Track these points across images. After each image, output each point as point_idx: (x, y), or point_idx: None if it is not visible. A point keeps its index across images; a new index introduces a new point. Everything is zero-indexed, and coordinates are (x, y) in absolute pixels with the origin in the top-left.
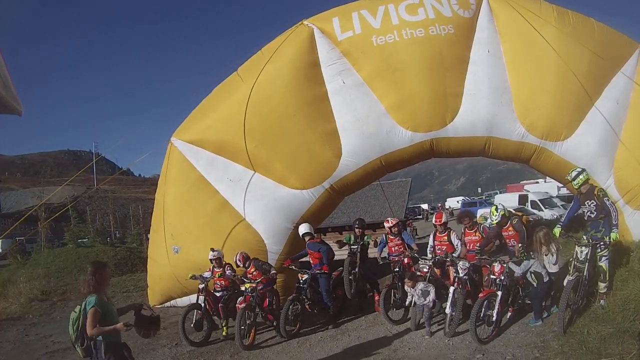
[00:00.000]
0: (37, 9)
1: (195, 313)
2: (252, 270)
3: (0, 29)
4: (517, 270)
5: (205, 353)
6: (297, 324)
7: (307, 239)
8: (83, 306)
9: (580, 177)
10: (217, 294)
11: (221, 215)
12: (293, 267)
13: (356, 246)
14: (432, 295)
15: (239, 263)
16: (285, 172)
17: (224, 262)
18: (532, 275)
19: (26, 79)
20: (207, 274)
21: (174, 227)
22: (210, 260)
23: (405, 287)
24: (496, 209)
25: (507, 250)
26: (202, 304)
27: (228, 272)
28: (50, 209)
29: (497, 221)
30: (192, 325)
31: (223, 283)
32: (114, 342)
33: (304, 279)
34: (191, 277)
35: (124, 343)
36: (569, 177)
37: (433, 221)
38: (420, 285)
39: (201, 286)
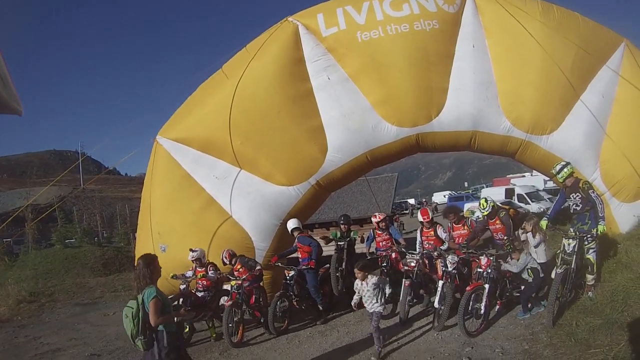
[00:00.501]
0: (21, 11)
1: None
2: (239, 267)
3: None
4: (514, 270)
5: (195, 351)
6: (286, 320)
7: (296, 234)
8: (141, 299)
9: (565, 170)
10: (199, 295)
11: (208, 213)
12: (280, 264)
13: (343, 242)
14: (383, 294)
15: (225, 260)
16: (271, 169)
17: (205, 262)
18: (529, 271)
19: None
20: (189, 274)
21: (160, 225)
22: (192, 260)
23: (356, 282)
24: (486, 201)
25: (494, 244)
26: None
27: (211, 272)
28: (37, 210)
29: (487, 212)
30: None
31: (205, 283)
32: (172, 331)
33: (290, 275)
34: (173, 277)
35: (177, 332)
36: (553, 171)
37: (419, 218)
38: (373, 279)
39: (182, 287)
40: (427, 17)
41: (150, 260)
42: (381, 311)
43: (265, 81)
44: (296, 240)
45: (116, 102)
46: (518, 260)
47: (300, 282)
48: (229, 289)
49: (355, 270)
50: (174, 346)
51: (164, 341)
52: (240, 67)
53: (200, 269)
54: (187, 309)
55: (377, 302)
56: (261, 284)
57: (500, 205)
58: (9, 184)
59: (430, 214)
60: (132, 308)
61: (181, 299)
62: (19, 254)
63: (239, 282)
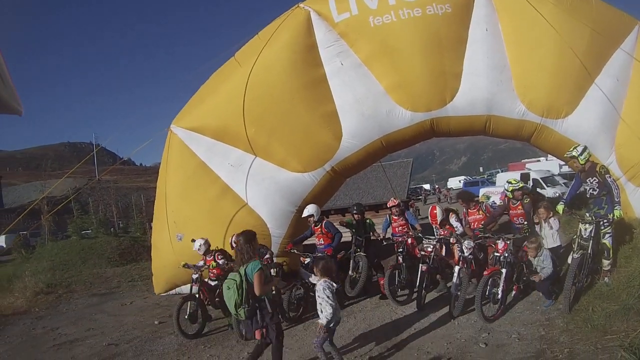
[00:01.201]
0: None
1: (189, 304)
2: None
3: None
4: (544, 275)
5: (212, 340)
6: (301, 308)
7: (317, 220)
8: (243, 272)
9: (586, 152)
10: (212, 284)
11: (223, 201)
12: (295, 250)
13: (361, 239)
14: (328, 304)
15: (234, 245)
16: (286, 156)
17: (212, 250)
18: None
19: (24, 73)
20: (200, 263)
21: (176, 214)
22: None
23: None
24: (515, 180)
25: (512, 228)
26: (197, 295)
27: (220, 260)
28: (53, 202)
29: (521, 185)
30: (186, 317)
31: (215, 272)
32: (272, 298)
33: (306, 262)
34: (184, 266)
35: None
36: (575, 152)
37: (430, 219)
38: (322, 283)
39: (195, 276)
40: (440, 1)
41: (251, 237)
42: (323, 323)
43: (278, 68)
44: (322, 225)
45: (130, 93)
46: (535, 257)
47: None
48: None
49: (315, 268)
50: (276, 310)
51: (268, 307)
52: (252, 54)
53: (209, 259)
54: (278, 278)
55: (322, 311)
56: (272, 272)
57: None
58: (24, 177)
59: (438, 217)
60: (236, 280)
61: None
62: (35, 246)
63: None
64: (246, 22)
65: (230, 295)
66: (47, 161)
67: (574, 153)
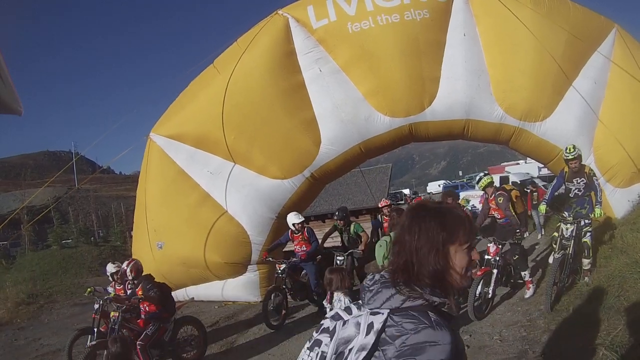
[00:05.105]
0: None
1: (89, 339)
2: (140, 292)
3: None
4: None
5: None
6: (281, 314)
7: (300, 226)
8: (394, 235)
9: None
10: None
11: (203, 208)
12: (270, 258)
13: (343, 258)
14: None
15: (128, 275)
16: (265, 162)
17: (127, 279)
18: None
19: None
20: (110, 289)
21: (156, 222)
22: (111, 274)
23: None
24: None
25: (497, 227)
26: (95, 329)
27: (130, 291)
28: (33, 212)
29: (483, 185)
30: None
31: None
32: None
33: (282, 268)
34: (89, 293)
35: None
36: (574, 153)
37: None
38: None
39: (96, 306)
40: (418, 7)
41: (401, 212)
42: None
43: (256, 75)
44: (305, 231)
45: (108, 101)
46: None
47: (293, 275)
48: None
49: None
50: None
51: None
52: (231, 61)
53: (119, 287)
54: None
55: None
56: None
57: (498, 185)
58: (3, 186)
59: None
60: (387, 241)
61: None
62: (15, 257)
63: (117, 313)
64: (225, 29)
65: (380, 251)
66: (27, 170)
67: (571, 155)
